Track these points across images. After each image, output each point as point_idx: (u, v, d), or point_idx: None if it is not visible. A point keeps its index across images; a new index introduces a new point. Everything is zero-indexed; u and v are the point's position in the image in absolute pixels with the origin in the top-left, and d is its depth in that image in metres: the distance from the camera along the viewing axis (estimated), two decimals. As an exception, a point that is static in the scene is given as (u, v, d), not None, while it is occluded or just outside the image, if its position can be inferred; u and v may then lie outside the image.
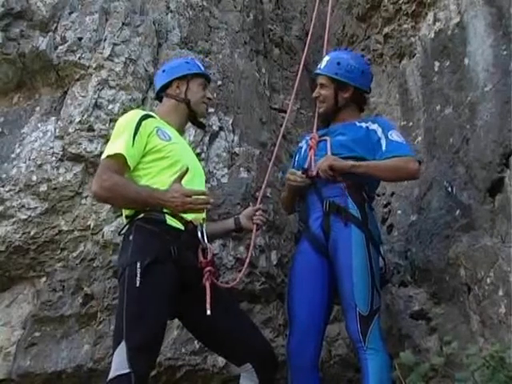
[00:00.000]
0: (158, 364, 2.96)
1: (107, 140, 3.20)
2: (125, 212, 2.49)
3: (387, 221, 3.42)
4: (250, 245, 2.78)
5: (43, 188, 3.22)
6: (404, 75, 3.55)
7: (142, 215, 2.39)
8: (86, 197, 3.23)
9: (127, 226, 2.44)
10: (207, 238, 2.47)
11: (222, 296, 2.45)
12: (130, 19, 3.57)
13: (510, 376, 1.85)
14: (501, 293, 2.44)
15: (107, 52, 3.42)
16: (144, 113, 2.58)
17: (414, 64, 3.46)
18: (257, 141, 3.64)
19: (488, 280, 2.52)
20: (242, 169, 3.41)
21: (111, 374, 2.17)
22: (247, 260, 2.77)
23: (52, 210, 3.21)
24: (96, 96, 3.32)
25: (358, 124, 2.87)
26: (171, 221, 2.41)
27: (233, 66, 3.78)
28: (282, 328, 3.23)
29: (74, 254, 3.18)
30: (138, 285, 2.22)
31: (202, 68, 2.84)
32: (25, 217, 3.20)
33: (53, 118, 3.39)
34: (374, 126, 2.82)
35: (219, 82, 3.61)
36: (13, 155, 3.36)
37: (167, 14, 3.75)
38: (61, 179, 3.23)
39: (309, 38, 3.52)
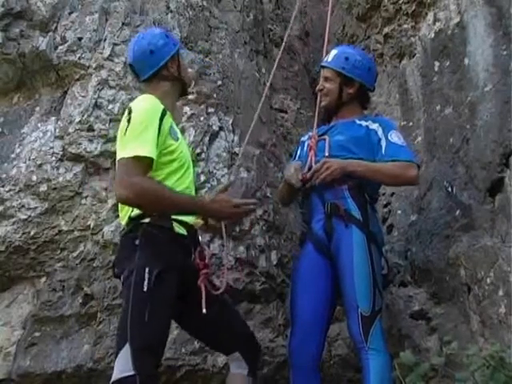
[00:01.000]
0: (158, 364, 2.97)
1: (107, 140, 3.22)
2: (128, 213, 2.41)
3: (387, 221, 3.43)
4: (224, 238, 2.69)
5: (43, 188, 3.22)
6: (404, 75, 3.55)
7: (148, 220, 2.34)
8: (86, 197, 3.23)
9: (131, 229, 2.39)
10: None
11: (211, 294, 2.44)
12: (130, 19, 3.56)
13: (510, 376, 1.85)
14: (501, 293, 2.44)
15: (107, 52, 3.42)
16: (162, 106, 2.43)
17: (413, 64, 3.47)
18: (257, 141, 3.64)
19: (488, 280, 2.52)
20: (241, 169, 3.41)
21: (115, 376, 2.17)
22: (224, 254, 2.80)
23: (52, 209, 3.21)
24: (96, 96, 3.32)
25: (357, 122, 2.86)
26: (178, 228, 2.40)
27: (233, 66, 3.78)
28: (282, 328, 3.23)
29: (74, 254, 3.18)
30: (145, 289, 2.21)
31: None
32: (25, 217, 3.19)
33: (53, 118, 3.39)
34: (375, 126, 2.81)
35: (219, 82, 3.61)
36: (13, 155, 3.36)
37: (167, 14, 3.75)
38: (61, 179, 3.23)
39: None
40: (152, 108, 2.40)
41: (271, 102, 4.06)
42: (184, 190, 2.44)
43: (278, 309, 3.27)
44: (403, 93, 3.54)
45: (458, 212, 2.84)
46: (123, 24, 3.53)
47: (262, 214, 3.32)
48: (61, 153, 3.27)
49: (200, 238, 2.50)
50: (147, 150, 2.27)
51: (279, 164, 3.65)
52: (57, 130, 3.32)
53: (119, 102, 3.32)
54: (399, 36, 3.63)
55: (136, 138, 2.29)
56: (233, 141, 3.49)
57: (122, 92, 3.35)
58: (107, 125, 3.27)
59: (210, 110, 3.40)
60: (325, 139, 2.83)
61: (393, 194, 3.44)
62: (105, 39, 3.47)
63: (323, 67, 2.97)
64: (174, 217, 2.38)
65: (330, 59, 2.93)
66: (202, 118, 3.42)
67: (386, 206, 3.47)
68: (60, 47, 3.45)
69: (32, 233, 3.18)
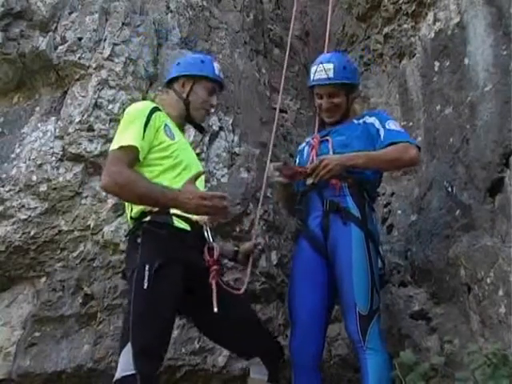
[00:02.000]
0: (157, 364, 2.97)
1: (107, 140, 3.22)
2: (130, 214, 2.46)
3: (387, 221, 3.42)
4: (246, 277, 2.73)
5: (43, 188, 3.22)
6: (404, 75, 3.55)
7: (148, 218, 2.37)
8: (86, 197, 3.23)
9: (134, 229, 2.42)
10: (212, 237, 2.48)
11: (227, 292, 2.45)
12: (129, 19, 3.56)
13: (511, 373, 1.85)
14: (501, 293, 2.44)
15: (107, 52, 3.42)
16: (154, 105, 2.51)
17: (413, 64, 3.47)
18: (257, 141, 3.64)
19: (488, 280, 2.52)
20: (241, 169, 3.41)
21: (117, 375, 2.18)
22: (245, 285, 2.70)
23: (52, 209, 3.21)
24: (96, 96, 3.32)
25: (355, 122, 2.87)
26: (178, 223, 2.40)
27: (233, 66, 3.78)
28: (282, 328, 3.23)
29: (74, 254, 3.18)
30: (145, 287, 2.22)
31: (217, 72, 2.69)
32: (25, 217, 3.19)
33: (53, 118, 3.39)
34: (371, 119, 2.83)
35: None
36: (13, 155, 3.36)
37: (167, 13, 3.75)
38: (61, 179, 3.23)
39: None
40: (140, 107, 2.48)
41: (271, 102, 4.06)
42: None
43: (278, 309, 3.28)
44: (403, 93, 3.55)
45: (458, 212, 2.84)
46: (123, 24, 3.53)
47: (262, 214, 3.32)
48: (61, 153, 3.27)
49: (207, 234, 2.47)
50: (130, 139, 2.33)
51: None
52: (57, 130, 3.32)
53: (119, 102, 3.32)
54: (399, 36, 3.63)
55: (121, 133, 2.38)
56: (233, 141, 3.49)
57: (122, 92, 3.35)
58: (107, 125, 3.27)
59: (212, 110, 3.39)
60: (327, 140, 2.83)
61: (393, 193, 3.44)
62: (105, 39, 3.47)
63: (324, 85, 2.85)
64: (174, 211, 2.37)
65: (332, 75, 2.82)
66: (201, 118, 3.42)
67: (386, 205, 3.47)
68: (60, 47, 3.45)
69: (32, 233, 3.19)
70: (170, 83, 2.70)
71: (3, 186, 3.25)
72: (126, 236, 2.63)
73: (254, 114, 3.74)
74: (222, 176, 3.35)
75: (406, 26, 3.56)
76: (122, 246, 3.09)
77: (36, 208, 3.20)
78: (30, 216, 3.20)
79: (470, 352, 1.99)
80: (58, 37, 3.50)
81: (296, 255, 2.83)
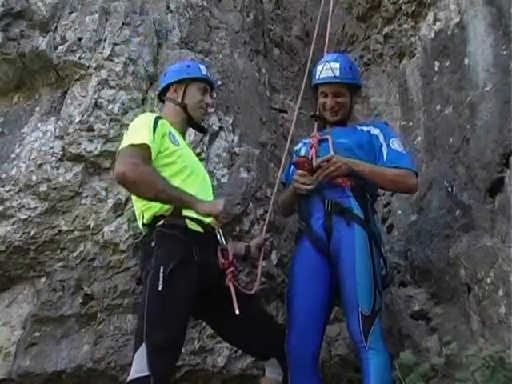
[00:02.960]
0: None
1: (107, 140, 3.22)
2: (142, 221, 2.50)
3: (387, 221, 3.42)
4: (259, 271, 2.78)
5: (43, 188, 3.22)
6: (404, 75, 3.55)
7: (162, 222, 2.42)
8: (85, 197, 3.23)
9: (147, 235, 2.46)
10: (225, 239, 2.52)
11: (241, 294, 2.46)
12: (129, 19, 3.56)
13: (509, 376, 1.85)
14: (501, 293, 2.44)
15: (107, 52, 3.42)
16: (156, 115, 2.61)
17: (413, 64, 3.47)
18: (257, 141, 3.64)
19: (488, 280, 2.52)
20: (241, 169, 3.41)
21: (131, 376, 2.20)
22: (257, 283, 2.72)
23: (52, 209, 3.21)
24: (96, 96, 3.32)
25: (358, 128, 2.88)
26: (191, 225, 2.44)
27: (233, 65, 3.78)
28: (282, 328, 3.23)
29: (74, 254, 3.18)
30: (160, 288, 2.24)
31: (204, 72, 2.80)
32: (25, 217, 3.19)
33: (53, 118, 3.39)
34: (376, 131, 2.84)
35: (219, 82, 3.61)
36: (13, 155, 3.36)
37: (167, 13, 3.75)
38: (61, 179, 3.23)
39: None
40: (146, 116, 2.58)
41: (271, 102, 4.06)
42: (194, 192, 2.47)
43: (278, 309, 3.27)
44: (403, 93, 3.54)
45: (457, 212, 2.84)
46: (123, 24, 3.53)
47: (262, 213, 3.32)
48: (61, 153, 3.27)
49: (219, 237, 2.50)
50: (141, 138, 2.38)
51: (279, 164, 3.65)
52: (57, 130, 3.32)
53: (119, 102, 3.32)
54: (399, 36, 3.63)
55: (131, 135, 2.44)
56: (233, 141, 3.49)
57: (122, 92, 3.36)
58: (107, 125, 3.27)
59: (210, 110, 3.39)
60: (327, 139, 2.83)
61: (393, 194, 3.44)
62: (105, 39, 3.47)
63: (330, 83, 2.86)
64: (186, 214, 2.41)
65: (338, 74, 2.84)
66: (201, 118, 3.42)
67: (386, 205, 3.47)
68: (60, 47, 3.45)
69: (32, 233, 3.19)
70: (163, 95, 2.79)
71: (3, 186, 3.25)
72: (139, 242, 2.67)
73: (254, 114, 3.74)
74: (222, 176, 3.36)
75: (405, 25, 3.56)
76: (122, 246, 3.10)
77: (36, 208, 3.20)
78: (29, 216, 3.20)
79: (469, 355, 1.99)
80: (58, 37, 3.50)
81: (298, 255, 2.82)
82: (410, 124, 3.43)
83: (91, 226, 3.18)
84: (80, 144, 3.25)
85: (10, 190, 3.23)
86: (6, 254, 3.19)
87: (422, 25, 3.42)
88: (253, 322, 2.49)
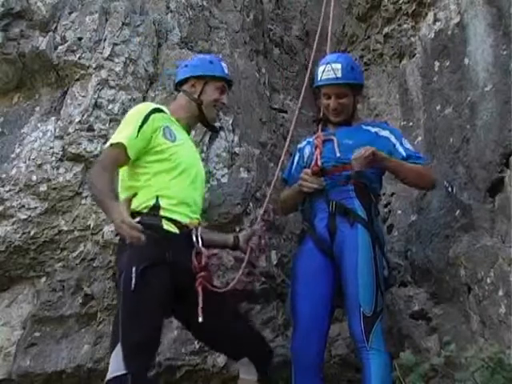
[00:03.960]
0: (157, 364, 2.97)
1: (107, 140, 3.20)
2: None
3: (387, 221, 3.42)
4: (242, 265, 2.76)
5: (43, 188, 3.22)
6: (404, 75, 3.55)
7: (137, 219, 2.35)
8: (85, 197, 3.22)
9: None
10: (202, 242, 2.47)
11: (215, 296, 2.46)
12: (129, 19, 3.56)
13: (508, 377, 1.85)
14: (501, 293, 2.44)
15: (107, 52, 3.42)
16: (154, 106, 2.55)
17: (414, 64, 3.46)
18: (257, 141, 3.64)
19: (488, 280, 2.52)
20: (241, 169, 3.41)
21: (108, 376, 2.19)
22: (239, 274, 2.74)
23: (52, 209, 3.21)
24: (96, 96, 3.32)
25: (364, 127, 2.87)
26: (167, 225, 2.41)
27: (233, 65, 3.77)
28: (282, 328, 3.23)
29: (74, 254, 3.18)
30: (132, 288, 2.23)
31: (226, 71, 2.75)
32: (25, 217, 3.20)
33: (53, 118, 3.39)
34: (386, 133, 2.83)
35: (219, 82, 3.61)
36: (13, 155, 3.36)
37: (167, 13, 3.75)
38: (61, 179, 3.23)
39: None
40: (141, 108, 2.54)
41: (271, 102, 4.06)
42: (179, 191, 2.46)
43: (278, 309, 3.27)
44: (403, 93, 3.54)
45: (458, 212, 2.84)
46: (123, 24, 3.53)
47: (262, 214, 3.31)
48: (61, 153, 3.27)
49: (195, 238, 2.47)
50: (120, 137, 2.41)
51: (279, 164, 3.65)
52: (57, 130, 3.32)
53: (119, 102, 3.32)
54: (399, 36, 3.63)
55: (117, 132, 2.48)
56: (233, 141, 3.49)
57: (122, 92, 3.36)
58: (107, 125, 3.27)
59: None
60: (332, 139, 2.82)
61: (393, 194, 3.43)
62: (105, 39, 3.47)
63: (332, 85, 2.83)
64: (163, 214, 2.40)
65: (340, 74, 2.80)
66: (202, 118, 3.42)
67: (386, 206, 3.47)
68: (60, 47, 3.45)
69: (32, 233, 3.19)
70: (179, 86, 2.73)
71: (3, 186, 3.25)
72: (115, 235, 2.65)
73: (254, 114, 3.74)
74: (222, 176, 3.35)
75: (405, 25, 3.56)
76: (122, 246, 3.10)
77: (36, 208, 3.20)
78: (29, 216, 3.20)
79: (468, 357, 1.99)
80: (58, 37, 3.50)
81: (301, 256, 2.82)
82: (410, 124, 3.43)
83: (91, 226, 3.18)
84: (80, 144, 3.25)
85: (9, 190, 3.24)
86: (5, 254, 3.19)
87: (421, 25, 3.42)
88: (223, 322, 2.48)
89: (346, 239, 2.65)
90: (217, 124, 3.46)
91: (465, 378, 2.00)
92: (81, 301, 3.14)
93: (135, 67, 3.44)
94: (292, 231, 3.51)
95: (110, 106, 3.31)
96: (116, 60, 3.41)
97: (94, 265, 3.15)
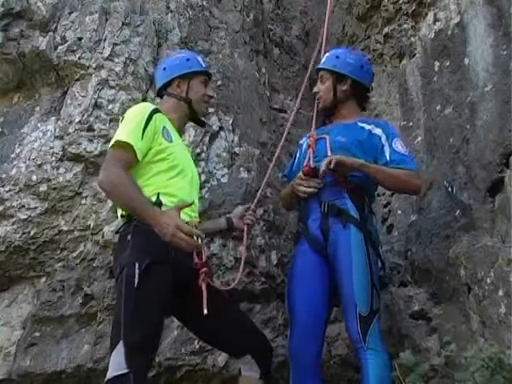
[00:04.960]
0: (157, 364, 2.97)
1: (107, 140, 3.22)
2: (120, 211, 2.48)
3: (387, 221, 3.42)
4: (243, 244, 2.80)
5: (43, 188, 3.22)
6: (404, 75, 3.55)
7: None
8: (85, 197, 3.23)
9: (124, 226, 2.43)
10: (202, 241, 2.46)
11: (217, 294, 2.47)
12: (129, 19, 3.56)
13: (508, 377, 1.85)
14: (501, 293, 2.43)
15: (107, 52, 3.42)
16: (153, 107, 2.56)
17: (414, 64, 3.46)
18: (257, 141, 3.64)
19: (488, 280, 2.52)
20: (241, 169, 3.41)
21: (109, 375, 2.18)
22: (243, 259, 2.78)
23: (52, 209, 3.21)
24: (96, 96, 3.32)
25: (359, 125, 2.85)
26: None
27: (233, 65, 3.78)
28: (282, 328, 3.23)
29: (74, 254, 3.19)
30: (136, 285, 2.22)
31: (204, 64, 2.79)
32: (25, 217, 3.20)
33: (53, 118, 3.39)
34: (378, 131, 2.80)
35: (219, 82, 3.61)
36: (13, 155, 3.36)
37: (167, 13, 3.75)
38: (61, 179, 3.23)
39: (321, 40, 3.39)
40: (141, 108, 2.53)
41: (271, 102, 4.06)
42: (177, 191, 2.47)
43: (278, 309, 3.27)
44: (403, 93, 3.54)
45: (458, 212, 2.84)
46: (123, 24, 3.53)
47: (262, 213, 3.32)
48: (61, 153, 3.27)
49: (196, 237, 2.48)
50: (127, 136, 2.37)
51: (279, 164, 3.65)
52: (57, 130, 3.32)
53: (119, 102, 3.32)
54: (399, 36, 3.62)
55: (120, 130, 2.43)
56: (233, 141, 3.49)
57: (122, 92, 3.36)
58: (107, 125, 3.27)
59: (210, 109, 3.40)
60: (325, 138, 2.82)
61: (393, 193, 3.43)
62: (105, 39, 3.47)
63: (318, 70, 2.99)
64: (165, 210, 2.38)
65: (322, 61, 2.98)
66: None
67: (386, 206, 3.47)
68: (60, 47, 3.45)
69: (32, 233, 3.19)
70: (162, 90, 2.75)
71: (3, 186, 3.25)
72: (116, 233, 2.63)
73: (254, 114, 3.74)
74: (222, 176, 3.36)
75: (405, 25, 3.56)
76: (122, 246, 3.10)
77: (36, 208, 3.21)
78: (30, 216, 3.20)
79: (468, 357, 1.99)
80: (58, 37, 3.50)
81: (297, 257, 2.83)
82: (410, 124, 3.43)
83: (91, 226, 3.18)
84: (80, 144, 3.25)
85: (9, 190, 3.24)
86: (5, 254, 3.19)
87: (422, 25, 3.42)
88: (226, 320, 2.48)
89: (339, 239, 2.65)
90: (217, 124, 3.48)
91: (465, 378, 2.00)
92: (81, 301, 3.14)
93: (135, 67, 3.44)
94: (292, 231, 3.51)
95: (110, 106, 3.31)
96: (116, 60, 3.41)
97: (94, 265, 3.15)
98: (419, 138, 3.30)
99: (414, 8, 3.47)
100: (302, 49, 4.53)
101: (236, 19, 4.03)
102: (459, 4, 3.06)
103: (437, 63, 3.21)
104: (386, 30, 3.73)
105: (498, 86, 2.69)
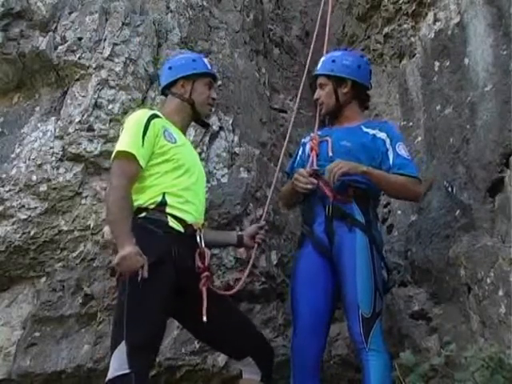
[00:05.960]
0: (157, 364, 2.97)
1: (107, 140, 3.22)
2: None
3: (387, 221, 3.42)
4: (250, 260, 2.81)
5: (43, 188, 3.22)
6: (404, 75, 3.55)
7: (143, 214, 2.40)
8: (85, 197, 3.23)
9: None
10: (205, 243, 2.49)
11: (217, 297, 2.47)
12: (130, 19, 3.56)
13: (508, 377, 1.86)
14: (501, 293, 2.43)
15: (107, 52, 3.42)
16: (151, 112, 2.57)
17: (414, 64, 3.46)
18: (257, 141, 3.64)
19: (488, 280, 2.52)
20: (241, 169, 3.41)
21: (110, 375, 2.18)
22: (247, 269, 2.78)
23: (52, 209, 3.21)
24: (96, 96, 3.32)
25: (364, 129, 2.83)
26: (173, 223, 2.42)
27: (233, 65, 3.78)
28: (282, 328, 3.23)
29: (74, 254, 3.18)
30: (139, 284, 2.21)
31: (209, 66, 2.78)
32: (25, 217, 3.20)
33: (53, 118, 3.39)
34: (382, 135, 2.79)
35: (219, 82, 3.61)
36: (13, 155, 3.36)
37: (167, 13, 3.75)
38: (61, 179, 3.23)
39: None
40: (138, 116, 2.53)
41: (271, 102, 4.06)
42: (184, 190, 2.47)
43: (278, 309, 3.28)
44: (403, 93, 3.54)
45: (458, 212, 2.84)
46: (123, 24, 3.53)
47: (262, 214, 3.32)
48: (61, 153, 3.27)
49: (199, 239, 2.48)
50: (128, 146, 2.40)
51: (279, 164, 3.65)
52: (57, 130, 3.32)
53: (119, 102, 3.32)
54: (399, 36, 3.62)
55: (121, 142, 2.46)
56: (233, 141, 3.49)
57: (122, 92, 3.36)
58: (107, 125, 3.27)
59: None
60: (327, 140, 2.82)
61: (393, 194, 3.43)
62: (105, 39, 3.47)
63: (315, 76, 2.96)
64: (169, 212, 2.40)
65: (319, 67, 2.94)
66: (201, 118, 3.42)
67: (386, 206, 3.47)
68: (60, 47, 3.45)
69: (32, 233, 3.19)
70: (166, 89, 2.75)
71: (3, 186, 3.25)
72: None
73: (254, 114, 3.74)
74: (222, 176, 3.36)
75: (405, 25, 3.56)
76: (122, 246, 3.10)
77: (36, 208, 3.20)
78: (30, 216, 3.20)
79: (468, 357, 1.99)
80: (58, 37, 3.50)
81: (301, 259, 2.82)
82: (410, 124, 3.43)
83: (91, 226, 3.18)
84: (80, 144, 3.25)
85: (9, 190, 3.24)
86: (5, 254, 3.19)
87: (422, 25, 3.42)
88: (226, 322, 2.48)
89: (344, 243, 2.65)
90: (217, 124, 3.48)
91: (465, 378, 2.00)
92: (81, 301, 3.14)
93: (135, 67, 3.44)
94: (292, 231, 3.51)
95: (110, 106, 3.31)
96: (116, 60, 3.41)
97: (94, 265, 3.15)
98: (419, 138, 3.30)
99: (414, 8, 3.47)
100: (302, 49, 4.53)
101: (236, 19, 4.03)
102: (459, 4, 3.06)
103: (437, 63, 3.21)
104: (385, 30, 3.73)
105: (498, 86, 2.69)
